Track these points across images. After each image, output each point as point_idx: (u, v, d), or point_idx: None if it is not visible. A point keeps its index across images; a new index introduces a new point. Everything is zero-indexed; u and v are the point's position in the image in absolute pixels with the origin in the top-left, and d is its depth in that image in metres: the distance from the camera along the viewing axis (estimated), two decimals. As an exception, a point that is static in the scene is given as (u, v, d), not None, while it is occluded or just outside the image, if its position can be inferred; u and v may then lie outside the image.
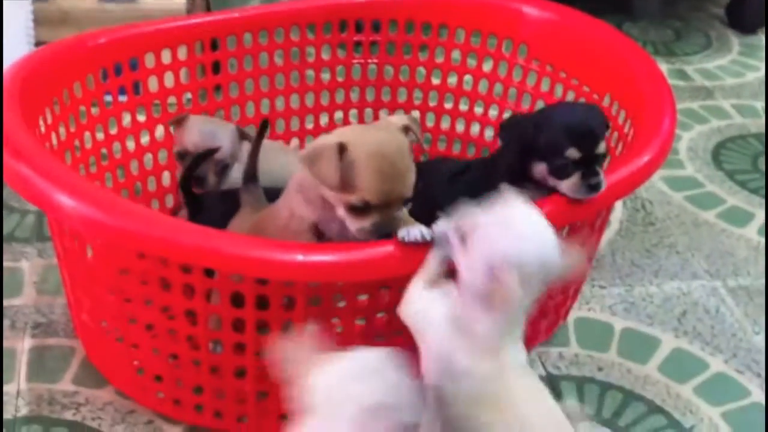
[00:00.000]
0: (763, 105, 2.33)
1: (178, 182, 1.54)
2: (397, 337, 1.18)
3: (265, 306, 1.22)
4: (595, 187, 1.28)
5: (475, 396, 1.06)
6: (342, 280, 1.23)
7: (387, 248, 1.17)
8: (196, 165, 1.51)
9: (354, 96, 1.86)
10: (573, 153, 1.29)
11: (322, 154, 1.18)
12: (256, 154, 1.46)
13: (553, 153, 1.31)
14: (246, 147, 1.52)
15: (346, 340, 1.19)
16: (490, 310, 1.04)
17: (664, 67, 2.49)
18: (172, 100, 1.70)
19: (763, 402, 1.47)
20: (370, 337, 1.28)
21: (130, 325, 1.32)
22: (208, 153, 1.52)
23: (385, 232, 1.19)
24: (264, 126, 1.46)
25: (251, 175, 1.46)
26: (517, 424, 1.05)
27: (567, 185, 1.29)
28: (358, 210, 1.19)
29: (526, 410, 1.06)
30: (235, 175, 1.52)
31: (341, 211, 1.21)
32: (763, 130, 2.23)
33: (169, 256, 1.18)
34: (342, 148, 1.17)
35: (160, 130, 1.69)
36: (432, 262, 1.13)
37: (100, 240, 1.26)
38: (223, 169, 1.54)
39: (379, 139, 1.21)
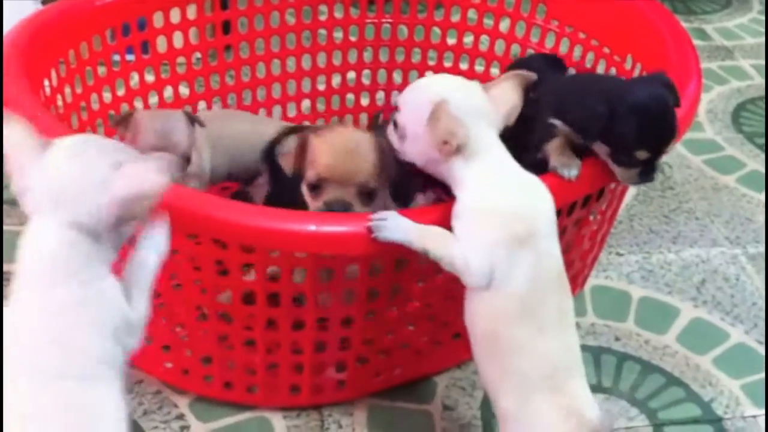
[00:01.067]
0: (785, 65, 2.29)
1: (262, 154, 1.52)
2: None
3: (276, 278, 1.19)
4: (648, 179, 1.24)
5: None
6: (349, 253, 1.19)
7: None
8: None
9: (367, 56, 1.82)
10: (642, 154, 1.21)
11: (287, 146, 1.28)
12: None
13: (623, 147, 1.21)
14: (200, 132, 1.46)
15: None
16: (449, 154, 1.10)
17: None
18: (181, 60, 1.66)
19: (784, 374, 1.45)
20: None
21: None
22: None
23: (338, 210, 1.20)
24: None
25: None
26: None
27: (621, 172, 1.23)
28: (315, 189, 1.22)
29: None
30: (195, 161, 1.45)
31: (305, 192, 1.24)
32: (784, 91, 2.19)
33: (177, 225, 1.14)
34: (303, 139, 1.25)
35: (168, 91, 1.65)
36: (427, 237, 1.11)
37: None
38: (186, 162, 1.44)
39: (339, 130, 1.27)
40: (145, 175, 0.94)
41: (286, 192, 1.31)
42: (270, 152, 1.48)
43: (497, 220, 1.08)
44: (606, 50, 1.61)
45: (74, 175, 0.93)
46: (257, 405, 1.33)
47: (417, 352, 1.36)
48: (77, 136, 1.00)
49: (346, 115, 1.84)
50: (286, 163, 1.27)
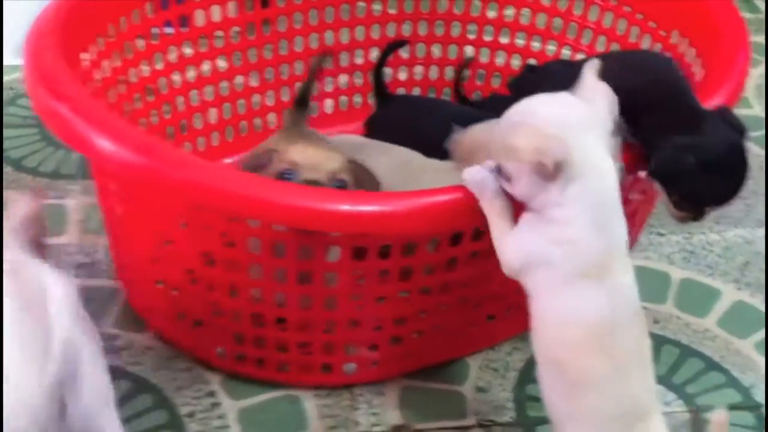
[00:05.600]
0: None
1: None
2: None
3: (308, 255, 1.18)
4: (697, 220, 1.19)
5: None
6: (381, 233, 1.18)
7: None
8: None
9: (406, 29, 1.79)
10: (709, 209, 1.17)
11: None
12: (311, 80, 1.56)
13: (692, 199, 1.15)
14: None
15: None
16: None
17: (732, -3, 2.38)
18: (219, 33, 1.64)
19: (827, 360, 1.42)
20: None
21: (170, 268, 1.29)
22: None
23: None
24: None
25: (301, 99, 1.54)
26: None
27: (675, 212, 1.17)
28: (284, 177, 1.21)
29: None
30: None
31: None
32: (836, 66, 2.13)
33: (209, 203, 1.14)
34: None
35: (206, 65, 1.64)
36: (494, 208, 1.08)
37: (140, 187, 1.22)
38: None
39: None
40: None
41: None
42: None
43: (562, 249, 1.02)
44: (652, 24, 1.58)
45: None
46: (288, 383, 1.32)
47: (450, 333, 1.34)
48: None
49: (398, 89, 1.81)
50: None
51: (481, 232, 1.14)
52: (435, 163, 1.38)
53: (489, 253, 1.09)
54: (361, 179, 1.23)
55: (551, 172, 0.99)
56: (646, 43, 1.56)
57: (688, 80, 1.29)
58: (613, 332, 1.01)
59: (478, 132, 1.27)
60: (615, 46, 1.64)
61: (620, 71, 1.19)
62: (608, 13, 1.65)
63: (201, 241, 1.22)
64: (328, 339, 1.27)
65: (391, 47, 1.66)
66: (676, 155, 1.12)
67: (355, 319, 1.26)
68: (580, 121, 1.03)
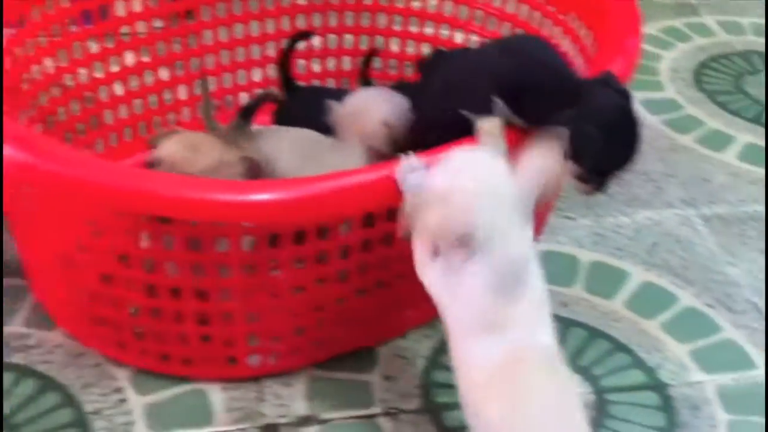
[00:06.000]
0: (749, 21, 2.26)
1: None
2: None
3: (198, 247, 1.17)
4: (602, 191, 1.19)
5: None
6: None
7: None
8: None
9: (316, 21, 1.78)
10: (611, 175, 1.17)
11: None
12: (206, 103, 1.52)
13: (594, 168, 1.15)
14: None
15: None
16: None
17: (648, -18, 2.41)
18: (125, 30, 1.63)
19: (734, 338, 1.44)
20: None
21: (68, 265, 1.28)
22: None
23: None
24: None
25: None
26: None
27: (578, 185, 1.17)
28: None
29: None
30: None
31: None
32: (748, 47, 2.16)
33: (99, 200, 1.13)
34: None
35: (114, 61, 1.62)
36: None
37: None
38: None
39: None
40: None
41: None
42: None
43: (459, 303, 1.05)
44: (551, 9, 1.59)
45: None
46: (195, 377, 1.32)
47: (361, 323, 1.35)
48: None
49: (312, 80, 1.81)
50: None
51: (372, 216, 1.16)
52: (336, 141, 1.42)
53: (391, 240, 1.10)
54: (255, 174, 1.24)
55: (455, 243, 1.01)
56: (547, 28, 1.57)
57: (564, 57, 1.31)
58: (512, 383, 1.02)
59: (354, 100, 1.40)
60: (520, 31, 1.65)
61: (499, 57, 1.22)
62: (513, -1, 1.66)
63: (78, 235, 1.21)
64: (228, 331, 1.27)
65: (294, 39, 1.65)
66: (582, 128, 1.12)
67: (255, 311, 1.26)
68: (494, 190, 1.04)
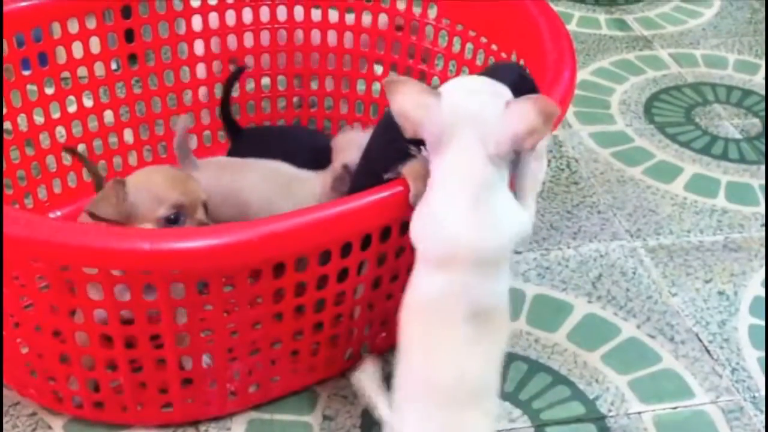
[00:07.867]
0: (702, 53, 2.28)
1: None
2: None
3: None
4: None
5: None
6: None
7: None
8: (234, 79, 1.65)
9: (281, 61, 1.81)
10: None
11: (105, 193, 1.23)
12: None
13: None
14: None
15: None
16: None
17: (602, 17, 2.43)
18: (82, 72, 1.64)
19: (674, 367, 1.43)
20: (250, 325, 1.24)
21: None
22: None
23: None
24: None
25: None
26: None
27: None
28: (173, 222, 1.24)
29: None
30: None
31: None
32: (699, 80, 2.17)
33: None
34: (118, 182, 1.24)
35: (54, 108, 1.63)
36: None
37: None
38: None
39: (149, 168, 1.32)
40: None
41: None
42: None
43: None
44: (494, 47, 1.61)
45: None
46: (131, 424, 1.31)
47: (300, 363, 1.34)
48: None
49: (264, 121, 1.83)
50: (105, 210, 1.21)
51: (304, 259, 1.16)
52: (303, 173, 1.47)
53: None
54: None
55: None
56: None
57: None
58: (437, 316, 1.07)
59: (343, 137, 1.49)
60: (465, 70, 1.67)
61: None
62: (456, 38, 1.68)
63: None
64: (162, 377, 1.26)
65: (230, 80, 1.66)
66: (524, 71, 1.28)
67: (187, 356, 1.26)
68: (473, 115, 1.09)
